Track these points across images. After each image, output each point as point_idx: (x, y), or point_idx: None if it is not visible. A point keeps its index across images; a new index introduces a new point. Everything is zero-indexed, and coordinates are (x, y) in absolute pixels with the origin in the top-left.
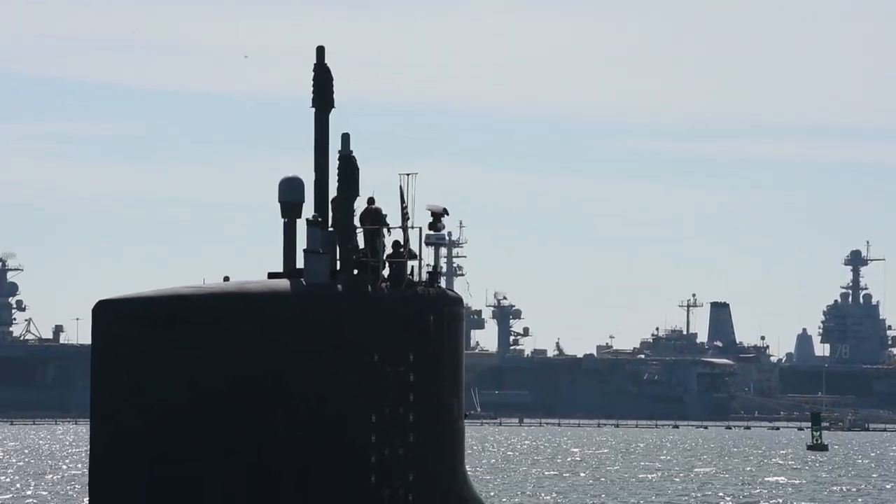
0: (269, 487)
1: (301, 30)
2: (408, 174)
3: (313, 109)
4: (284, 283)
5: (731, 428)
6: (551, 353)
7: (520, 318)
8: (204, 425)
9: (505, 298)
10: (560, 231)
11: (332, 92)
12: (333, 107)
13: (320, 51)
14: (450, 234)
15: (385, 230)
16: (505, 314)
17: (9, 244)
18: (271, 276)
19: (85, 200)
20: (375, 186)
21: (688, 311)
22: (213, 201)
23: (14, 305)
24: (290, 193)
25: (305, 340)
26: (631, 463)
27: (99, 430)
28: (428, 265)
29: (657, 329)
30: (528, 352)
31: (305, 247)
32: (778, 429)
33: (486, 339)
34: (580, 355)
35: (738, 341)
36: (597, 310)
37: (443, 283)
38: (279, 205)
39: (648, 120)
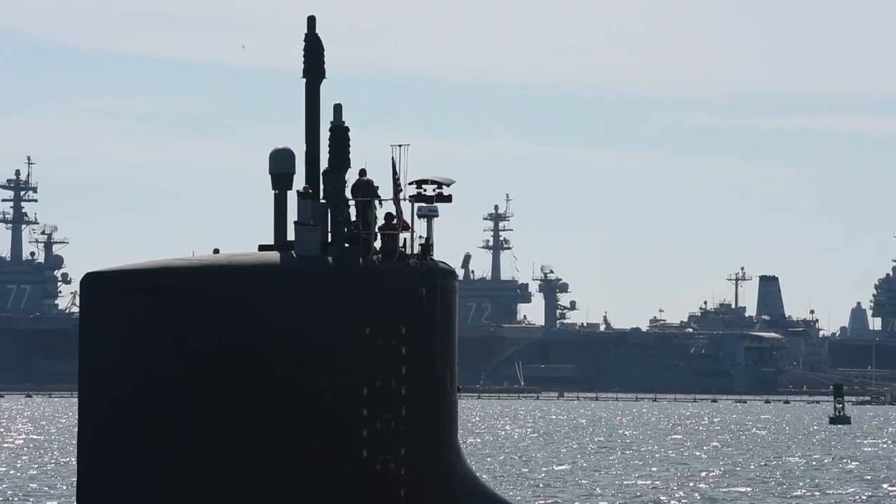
0: (258, 460)
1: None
2: (399, 145)
3: (304, 80)
4: (274, 256)
5: (769, 402)
6: (602, 327)
7: (567, 292)
8: (192, 398)
9: (552, 272)
10: (608, 205)
11: (324, 62)
12: (325, 77)
13: (311, 20)
14: (496, 207)
15: (377, 202)
16: (552, 287)
17: (55, 217)
18: (262, 248)
19: (127, 172)
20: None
21: (736, 285)
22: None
23: (60, 278)
24: (280, 165)
25: (295, 313)
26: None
27: (87, 402)
28: (421, 237)
29: (705, 303)
30: (577, 325)
31: (296, 219)
32: (818, 402)
33: (532, 312)
34: (628, 329)
35: (787, 315)
36: (646, 284)
37: (488, 257)
38: (270, 177)
39: (699, 94)
